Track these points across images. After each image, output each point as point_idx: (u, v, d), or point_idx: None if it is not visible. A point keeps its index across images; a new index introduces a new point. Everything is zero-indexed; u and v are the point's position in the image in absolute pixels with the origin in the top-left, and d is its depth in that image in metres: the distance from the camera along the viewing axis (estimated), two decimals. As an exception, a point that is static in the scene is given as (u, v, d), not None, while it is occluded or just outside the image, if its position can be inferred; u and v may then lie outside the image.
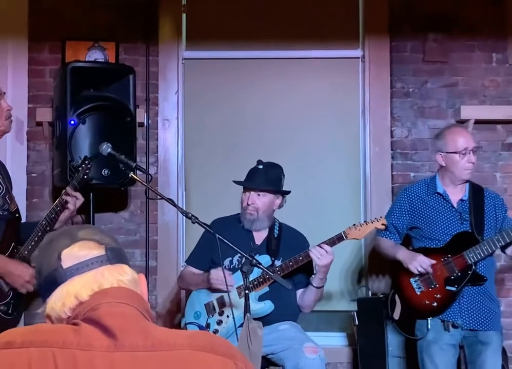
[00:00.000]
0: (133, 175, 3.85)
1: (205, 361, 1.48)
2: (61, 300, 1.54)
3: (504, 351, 4.74)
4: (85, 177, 3.89)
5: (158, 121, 5.29)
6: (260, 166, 4.26)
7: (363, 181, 5.32)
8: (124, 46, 5.26)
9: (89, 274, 1.56)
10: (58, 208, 3.91)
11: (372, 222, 4.15)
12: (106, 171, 4.55)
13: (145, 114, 5.20)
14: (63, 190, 3.93)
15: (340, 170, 5.40)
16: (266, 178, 4.24)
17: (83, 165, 3.89)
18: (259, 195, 4.24)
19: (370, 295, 5.07)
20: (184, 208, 4.52)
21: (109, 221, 5.21)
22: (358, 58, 5.35)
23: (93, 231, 1.65)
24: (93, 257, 1.57)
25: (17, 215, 3.99)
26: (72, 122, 4.59)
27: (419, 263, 4.11)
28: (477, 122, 5.06)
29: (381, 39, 5.24)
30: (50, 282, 1.57)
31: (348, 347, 5.23)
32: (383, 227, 4.14)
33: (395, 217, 4.33)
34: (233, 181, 4.32)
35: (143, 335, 1.47)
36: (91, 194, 4.72)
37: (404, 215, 4.30)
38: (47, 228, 3.88)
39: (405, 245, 4.33)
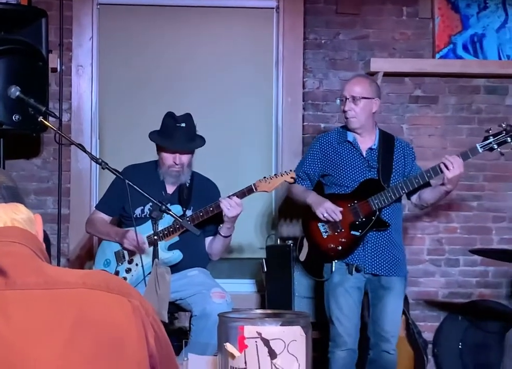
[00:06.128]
0: (42, 120, 3.82)
1: (100, 299, 1.47)
2: None
3: (405, 298, 4.91)
4: None
5: (72, 67, 5.21)
6: (183, 124, 4.20)
7: (276, 131, 5.36)
8: (37, -11, 5.15)
9: (-18, 212, 1.51)
10: None
11: (281, 175, 4.21)
12: (17, 117, 4.46)
13: (59, 59, 5.10)
14: None
15: (253, 120, 5.42)
16: (189, 137, 4.24)
17: None
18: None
19: (278, 243, 5.18)
20: (98, 157, 4.50)
21: (20, 168, 5.14)
22: (273, 8, 5.35)
23: (-13, 170, 1.60)
24: None
25: None
26: (-19, 65, 4.50)
27: (325, 208, 4.20)
28: (386, 74, 5.12)
29: (296, -10, 5.26)
30: None
31: (256, 293, 5.34)
32: (292, 180, 4.20)
33: (307, 164, 4.39)
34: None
35: (35, 273, 1.45)
36: (1, 140, 4.64)
37: (316, 163, 4.37)
38: None
39: (316, 192, 4.39)
